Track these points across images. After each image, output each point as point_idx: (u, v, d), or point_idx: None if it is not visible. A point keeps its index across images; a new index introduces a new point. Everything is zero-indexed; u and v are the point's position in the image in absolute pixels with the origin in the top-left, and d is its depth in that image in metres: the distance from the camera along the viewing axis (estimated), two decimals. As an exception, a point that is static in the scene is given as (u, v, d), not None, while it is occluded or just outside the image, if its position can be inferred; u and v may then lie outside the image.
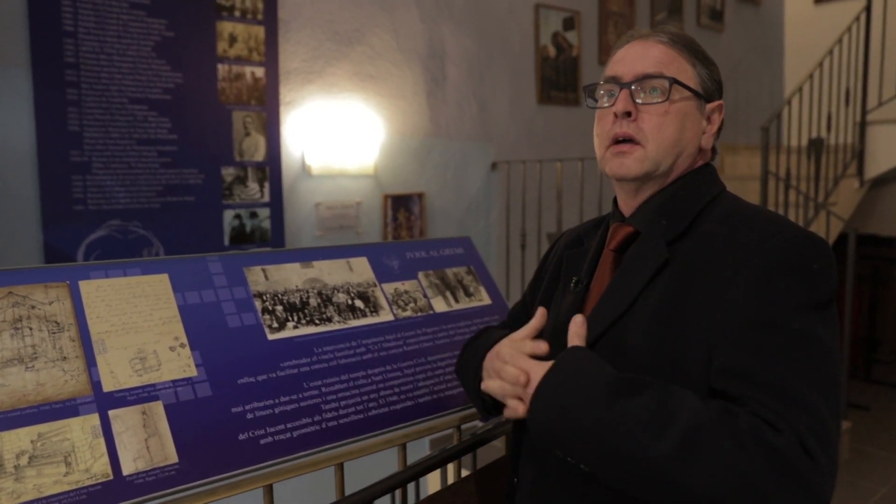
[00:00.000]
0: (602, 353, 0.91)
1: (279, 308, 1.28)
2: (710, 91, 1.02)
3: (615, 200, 1.09)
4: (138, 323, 1.13)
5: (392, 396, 1.29)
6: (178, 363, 1.12)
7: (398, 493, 1.29)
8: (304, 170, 3.43)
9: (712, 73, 1.03)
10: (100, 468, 0.97)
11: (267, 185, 3.31)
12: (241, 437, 1.10)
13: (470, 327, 1.48)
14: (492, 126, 4.21)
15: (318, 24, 3.44)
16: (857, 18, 4.68)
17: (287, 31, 3.34)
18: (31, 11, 2.66)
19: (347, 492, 1.20)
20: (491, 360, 1.01)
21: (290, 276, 1.33)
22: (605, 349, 0.93)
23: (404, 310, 1.42)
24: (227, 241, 3.21)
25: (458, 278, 1.56)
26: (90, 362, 1.05)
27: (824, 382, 0.81)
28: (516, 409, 0.92)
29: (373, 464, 1.35)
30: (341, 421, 1.21)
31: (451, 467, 1.42)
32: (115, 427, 1.02)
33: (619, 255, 1.03)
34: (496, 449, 1.52)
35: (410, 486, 1.34)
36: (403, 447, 1.30)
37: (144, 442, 1.02)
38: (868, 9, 4.72)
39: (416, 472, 1.27)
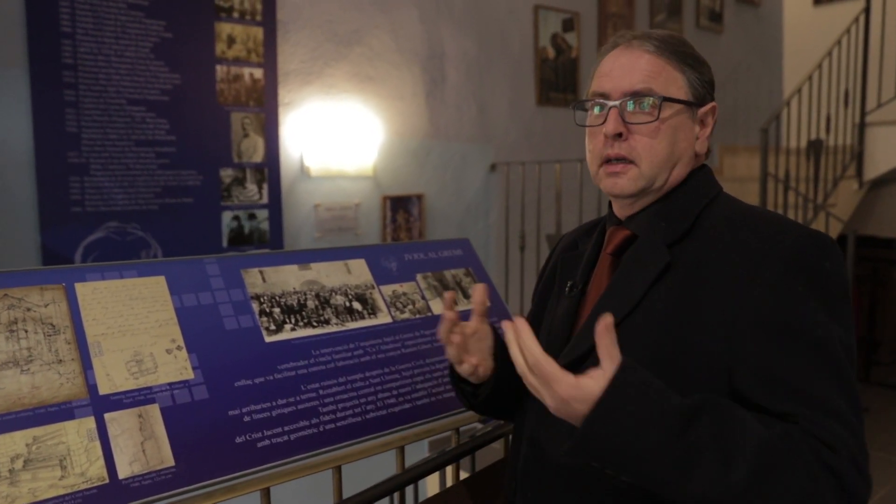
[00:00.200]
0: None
1: (276, 310, 1.27)
2: (701, 96, 1.00)
3: (610, 203, 1.08)
4: (135, 325, 1.12)
5: (390, 399, 1.29)
6: (175, 366, 1.11)
7: (396, 496, 1.28)
8: (303, 171, 3.43)
9: (703, 76, 1.00)
10: (95, 472, 0.97)
11: (265, 186, 3.30)
12: (238, 439, 1.10)
13: (468, 329, 1.47)
14: (491, 127, 4.20)
15: (316, 26, 3.44)
16: (856, 20, 4.68)
17: (286, 32, 3.34)
18: (29, 12, 2.65)
19: (345, 495, 1.19)
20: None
21: (287, 279, 1.32)
22: None
23: (402, 312, 1.41)
24: (225, 243, 3.20)
25: (457, 280, 1.55)
26: (86, 365, 1.05)
27: (852, 393, 0.82)
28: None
29: (371, 467, 1.35)
30: (339, 423, 1.20)
31: (449, 470, 1.41)
32: (111, 430, 1.01)
33: (617, 259, 1.02)
34: (495, 451, 1.52)
35: (409, 489, 1.33)
36: (401, 450, 1.29)
37: (140, 445, 1.02)
38: (867, 10, 4.72)
39: (415, 475, 1.27)
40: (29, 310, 1.06)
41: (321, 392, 1.22)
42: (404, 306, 1.43)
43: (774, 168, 4.00)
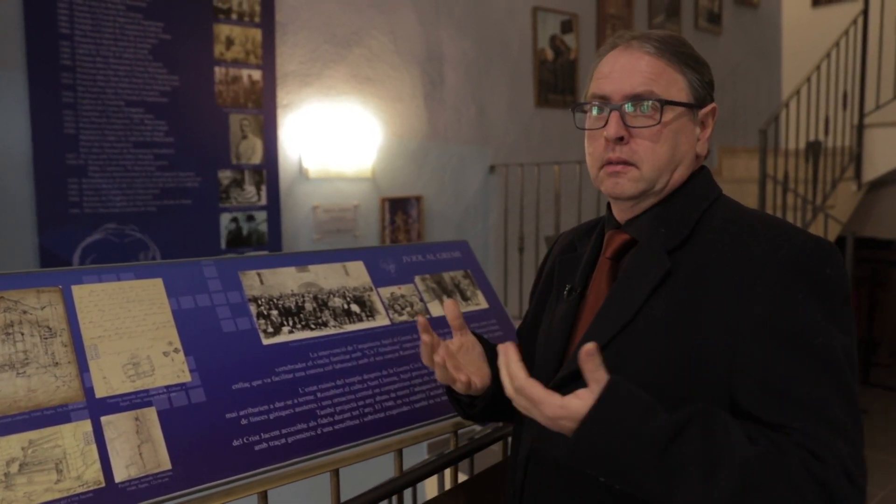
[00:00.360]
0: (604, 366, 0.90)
1: (274, 312, 1.26)
2: (701, 97, 0.99)
3: (609, 205, 1.07)
4: (132, 328, 1.12)
5: (388, 402, 1.28)
6: (172, 368, 1.11)
7: (395, 498, 1.27)
8: (302, 173, 3.42)
9: (703, 76, 1.00)
10: (91, 475, 0.96)
11: (264, 188, 3.30)
12: (236, 443, 1.09)
13: (467, 331, 1.47)
14: (489, 129, 4.20)
15: (315, 27, 3.43)
16: (855, 21, 4.69)
17: (284, 33, 3.34)
18: (27, 14, 2.65)
19: (343, 498, 1.19)
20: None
21: (285, 281, 1.32)
22: (607, 362, 0.92)
23: (400, 314, 1.41)
24: (223, 245, 3.20)
25: (455, 282, 1.55)
26: (82, 368, 1.04)
27: (850, 401, 0.81)
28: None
29: (369, 470, 1.34)
30: (337, 426, 1.20)
31: (448, 473, 1.41)
32: (108, 433, 1.00)
33: (616, 263, 1.01)
34: (494, 454, 1.51)
35: (407, 492, 1.33)
36: (400, 453, 1.29)
37: (137, 448, 1.01)
38: (865, 12, 4.73)
39: (413, 477, 1.26)
40: (25, 312, 1.05)
41: (319, 395, 1.21)
42: (402, 308, 1.42)
43: (773, 169, 4.00)
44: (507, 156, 4.25)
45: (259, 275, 1.30)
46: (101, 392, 1.03)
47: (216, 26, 3.12)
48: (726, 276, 0.88)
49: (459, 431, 1.38)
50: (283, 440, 1.13)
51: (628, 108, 0.95)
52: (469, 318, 1.50)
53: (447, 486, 1.39)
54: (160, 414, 1.06)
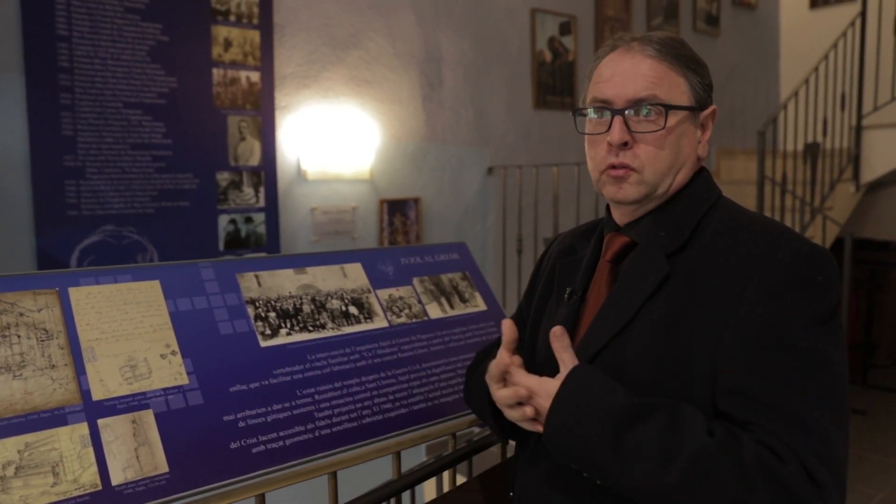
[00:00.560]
0: (602, 369, 0.90)
1: (272, 315, 1.26)
2: (702, 100, 0.99)
3: (608, 207, 1.07)
4: (129, 330, 1.11)
5: (386, 404, 1.28)
6: (170, 371, 1.11)
7: (393, 501, 1.27)
8: (300, 174, 3.42)
9: (704, 79, 0.99)
10: (88, 478, 0.96)
11: (262, 189, 3.29)
12: (233, 445, 1.09)
13: (465, 333, 1.47)
14: (488, 130, 4.20)
15: (313, 29, 3.43)
16: (853, 23, 4.70)
17: (282, 35, 3.33)
18: (25, 15, 2.65)
19: (341, 501, 1.19)
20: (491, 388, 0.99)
21: (283, 283, 1.32)
22: (605, 364, 0.92)
23: (399, 316, 1.41)
24: (221, 247, 3.19)
25: (454, 284, 1.54)
26: (79, 370, 1.04)
27: (831, 401, 0.81)
28: (534, 427, 0.93)
29: (367, 472, 1.34)
30: (335, 429, 1.20)
31: (446, 475, 1.40)
32: (105, 436, 1.00)
33: (616, 266, 1.01)
34: (492, 456, 1.51)
35: (405, 495, 1.33)
36: (398, 455, 1.29)
37: (134, 451, 1.01)
38: (863, 13, 4.73)
39: (411, 480, 1.26)
40: (21, 315, 1.05)
41: (317, 397, 1.21)
42: (401, 310, 1.42)
43: (771, 171, 4.00)
44: (505, 157, 4.25)
45: (257, 277, 1.30)
46: (97, 395, 1.03)
47: (214, 28, 3.12)
48: (722, 278, 0.88)
49: (457, 433, 1.38)
50: (281, 442, 1.13)
51: (631, 112, 0.95)
52: (467, 321, 1.50)
53: (446, 488, 1.39)
54: (157, 416, 1.05)
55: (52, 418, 0.98)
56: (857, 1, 5.02)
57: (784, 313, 0.83)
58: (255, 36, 3.23)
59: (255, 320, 1.24)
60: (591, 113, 1.00)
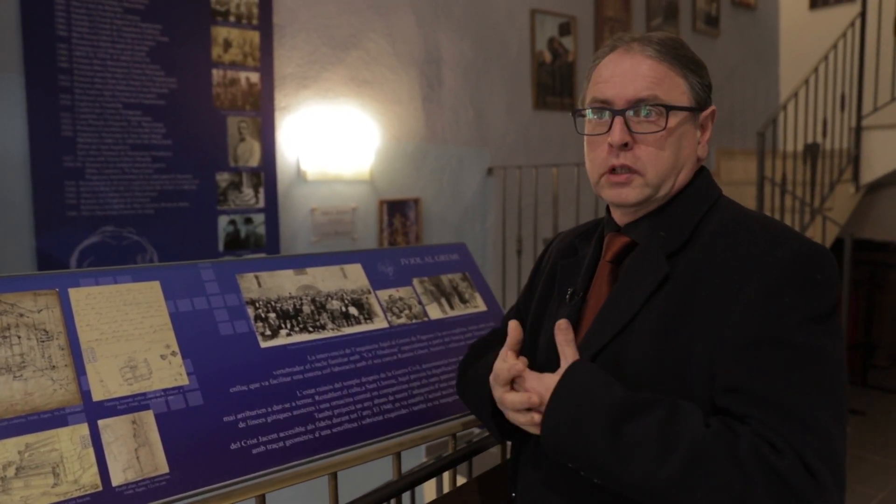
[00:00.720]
0: (603, 368, 0.90)
1: (272, 315, 1.26)
2: (702, 100, 0.99)
3: (608, 208, 1.07)
4: (129, 331, 1.11)
5: (386, 405, 1.28)
6: (170, 372, 1.11)
7: (393, 502, 1.27)
8: (300, 175, 3.42)
9: (703, 79, 0.99)
10: (88, 479, 0.96)
11: (262, 190, 3.29)
12: (233, 446, 1.09)
13: (465, 334, 1.47)
14: (488, 131, 4.20)
15: (313, 29, 3.43)
16: (853, 24, 4.70)
17: (282, 36, 3.33)
18: (25, 16, 2.65)
19: (341, 501, 1.19)
20: (494, 389, 0.99)
21: (283, 283, 1.32)
22: (606, 363, 0.92)
23: (399, 317, 1.41)
24: (221, 247, 3.19)
25: (454, 285, 1.54)
26: (79, 371, 1.04)
27: (828, 396, 0.81)
28: (535, 427, 0.93)
29: (367, 473, 1.34)
30: (335, 430, 1.20)
31: (446, 476, 1.40)
32: (105, 437, 1.00)
33: (616, 267, 1.01)
34: (493, 456, 1.51)
35: (406, 495, 1.33)
36: (398, 456, 1.29)
37: (134, 452, 1.01)
38: (863, 14, 4.74)
39: (411, 481, 1.26)
40: (21, 315, 1.05)
41: (317, 398, 1.21)
42: (401, 311, 1.42)
43: (771, 172, 4.00)
44: (505, 158, 4.25)
45: (257, 277, 1.30)
46: (98, 395, 1.03)
47: (214, 28, 3.12)
48: (722, 278, 0.88)
49: (458, 434, 1.38)
50: (281, 443, 1.13)
51: (631, 113, 0.95)
52: (467, 321, 1.50)
53: (446, 488, 1.39)
54: (157, 417, 1.05)
55: (53, 419, 0.98)
56: (856, 1, 5.02)
57: (784, 311, 0.83)
58: (254, 36, 3.23)
59: (256, 321, 1.24)
60: (590, 113, 1.00)
